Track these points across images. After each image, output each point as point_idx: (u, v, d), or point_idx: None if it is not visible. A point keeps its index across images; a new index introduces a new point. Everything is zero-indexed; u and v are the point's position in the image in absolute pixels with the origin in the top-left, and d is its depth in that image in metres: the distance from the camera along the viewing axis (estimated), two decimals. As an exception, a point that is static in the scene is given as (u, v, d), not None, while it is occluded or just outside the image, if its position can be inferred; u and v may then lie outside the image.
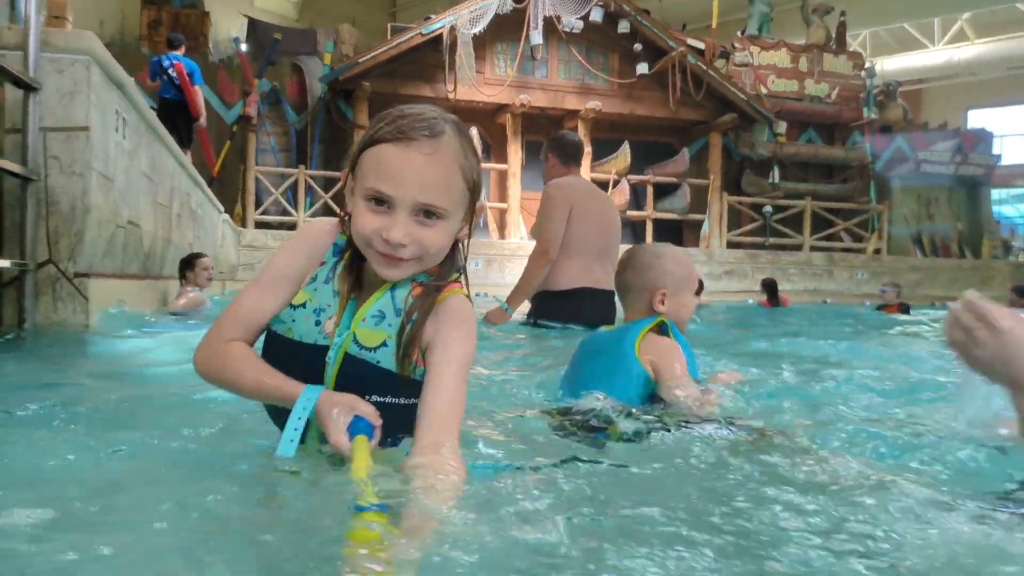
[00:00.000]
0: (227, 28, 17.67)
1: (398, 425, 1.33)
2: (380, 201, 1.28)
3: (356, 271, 1.39)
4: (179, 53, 10.16)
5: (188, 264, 5.79)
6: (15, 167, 3.28)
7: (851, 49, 19.82)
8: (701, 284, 9.32)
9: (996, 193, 20.91)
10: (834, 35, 18.59)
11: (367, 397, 1.32)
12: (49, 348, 3.26)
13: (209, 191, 9.25)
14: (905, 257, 17.88)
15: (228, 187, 13.78)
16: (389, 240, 1.27)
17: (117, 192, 4.29)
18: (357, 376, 1.35)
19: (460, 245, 1.44)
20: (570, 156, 4.86)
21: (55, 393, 2.01)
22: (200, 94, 10.30)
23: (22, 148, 3.42)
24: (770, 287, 11.06)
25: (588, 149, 16.21)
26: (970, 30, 24.54)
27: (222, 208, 10.50)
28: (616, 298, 3.84)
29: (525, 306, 4.69)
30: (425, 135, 1.29)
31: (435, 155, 1.29)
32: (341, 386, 1.34)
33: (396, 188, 1.26)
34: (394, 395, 1.36)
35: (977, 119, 24.84)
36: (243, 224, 13.97)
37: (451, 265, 1.42)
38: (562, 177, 4.75)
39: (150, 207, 5.41)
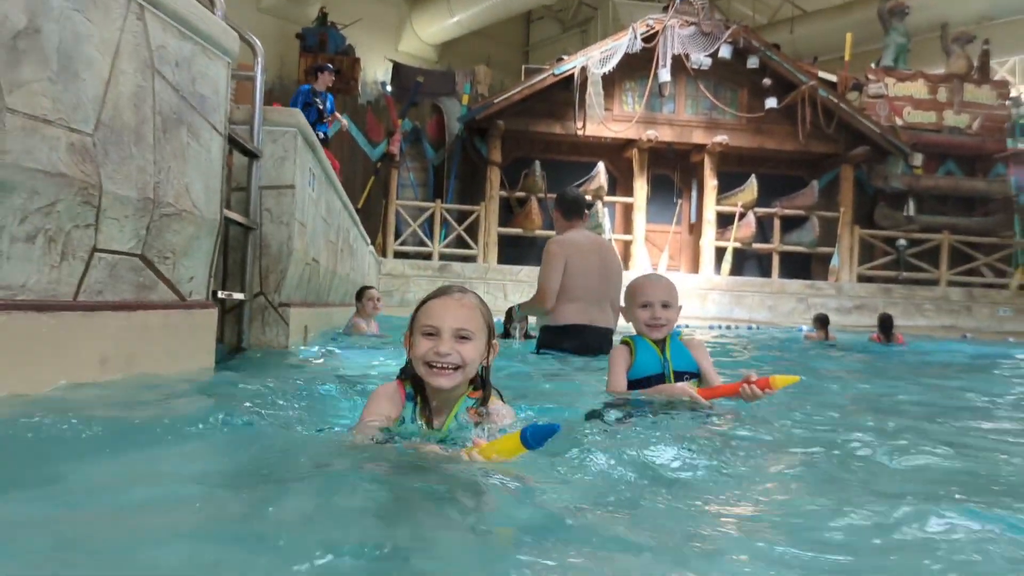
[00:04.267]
0: (374, 72, 19.04)
1: None
2: (430, 333, 1.91)
3: (428, 412, 1.97)
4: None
5: (358, 296, 6.91)
6: (241, 218, 4.03)
7: (996, 78, 19.03)
8: (824, 318, 9.28)
9: None
10: (977, 64, 17.95)
11: None
12: (263, 361, 3.99)
13: (360, 225, 10.17)
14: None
15: (371, 220, 14.88)
16: (439, 352, 1.87)
17: (308, 235, 5.05)
18: None
19: (487, 371, 2.04)
20: (572, 211, 5.29)
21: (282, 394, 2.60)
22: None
23: (246, 203, 4.19)
24: (883, 322, 10.92)
25: (714, 183, 16.37)
26: None
27: (368, 240, 11.45)
28: (612, 334, 5.02)
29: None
30: (455, 291, 1.98)
31: (462, 300, 1.95)
32: None
33: (440, 320, 1.91)
34: None
35: None
36: (383, 254, 15.02)
37: (488, 388, 2.02)
38: (564, 232, 5.24)
39: (325, 245, 6.21)
